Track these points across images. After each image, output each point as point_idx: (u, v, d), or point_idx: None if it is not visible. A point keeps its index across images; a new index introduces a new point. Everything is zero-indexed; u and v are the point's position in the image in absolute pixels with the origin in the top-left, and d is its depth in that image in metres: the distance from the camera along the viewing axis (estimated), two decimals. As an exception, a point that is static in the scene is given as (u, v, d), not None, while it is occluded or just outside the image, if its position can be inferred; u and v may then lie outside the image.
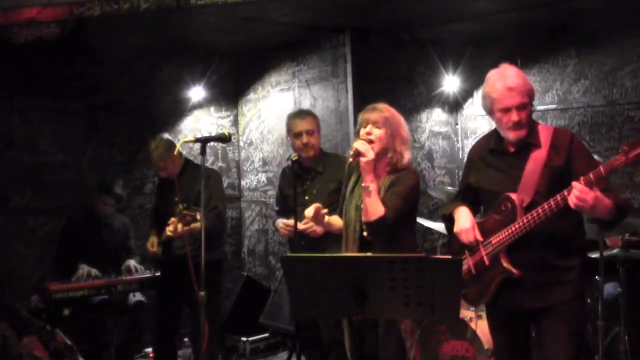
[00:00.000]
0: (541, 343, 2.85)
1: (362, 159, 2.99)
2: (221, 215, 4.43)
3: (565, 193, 2.61)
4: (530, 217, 2.71)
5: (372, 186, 3.01)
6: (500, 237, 2.81)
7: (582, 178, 2.55)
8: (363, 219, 3.08)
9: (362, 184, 3.03)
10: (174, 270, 4.35)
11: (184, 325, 4.69)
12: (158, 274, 4.73)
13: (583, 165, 2.69)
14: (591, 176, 2.54)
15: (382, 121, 3.13)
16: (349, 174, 3.34)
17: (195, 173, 4.31)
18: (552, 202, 2.65)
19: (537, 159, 2.79)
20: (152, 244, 4.48)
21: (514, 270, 2.78)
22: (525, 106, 2.79)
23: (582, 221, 2.89)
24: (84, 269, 4.66)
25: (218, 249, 4.55)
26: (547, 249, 2.76)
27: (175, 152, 3.93)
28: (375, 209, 3.01)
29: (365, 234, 3.13)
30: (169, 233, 4.21)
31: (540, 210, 2.68)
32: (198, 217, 3.91)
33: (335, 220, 3.41)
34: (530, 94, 2.82)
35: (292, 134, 4.07)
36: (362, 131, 3.13)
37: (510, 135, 2.84)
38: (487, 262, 2.86)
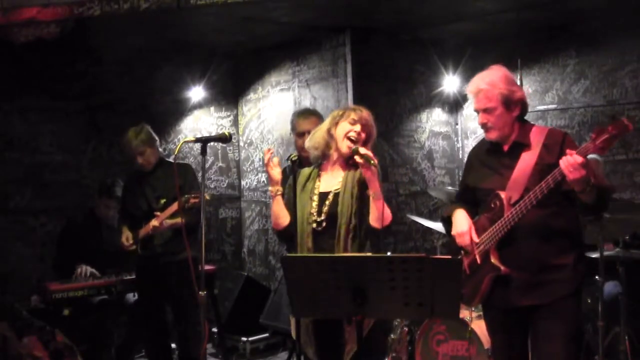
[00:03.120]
0: (537, 343, 2.85)
1: (373, 163, 2.99)
2: (199, 209, 4.43)
3: (549, 180, 2.60)
4: (514, 210, 2.72)
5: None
6: (488, 233, 2.83)
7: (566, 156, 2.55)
8: (375, 224, 3.05)
9: (373, 190, 3.01)
10: (156, 269, 4.33)
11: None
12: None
13: None
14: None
15: (368, 127, 3.18)
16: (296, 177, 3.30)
17: (168, 170, 4.35)
18: (537, 190, 2.65)
19: (527, 157, 2.82)
20: (128, 237, 4.41)
21: (501, 267, 2.79)
22: (493, 110, 2.83)
23: (577, 218, 2.90)
24: (82, 268, 4.66)
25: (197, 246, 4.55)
26: (540, 247, 2.77)
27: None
28: (387, 212, 3.05)
29: (315, 226, 3.12)
30: (152, 227, 4.21)
31: (522, 203, 2.69)
32: (207, 197, 3.85)
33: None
34: (501, 99, 2.82)
35: (295, 132, 4.08)
36: (348, 126, 3.14)
37: (485, 135, 2.93)
38: (479, 261, 2.87)
